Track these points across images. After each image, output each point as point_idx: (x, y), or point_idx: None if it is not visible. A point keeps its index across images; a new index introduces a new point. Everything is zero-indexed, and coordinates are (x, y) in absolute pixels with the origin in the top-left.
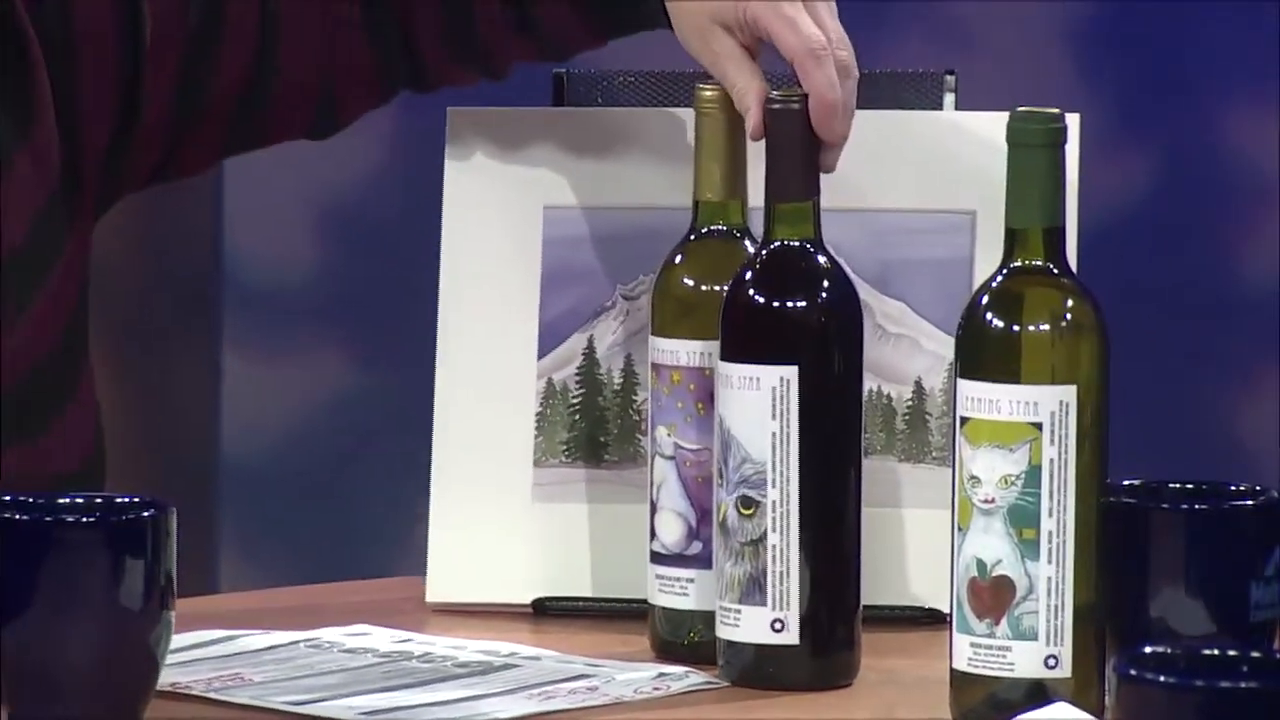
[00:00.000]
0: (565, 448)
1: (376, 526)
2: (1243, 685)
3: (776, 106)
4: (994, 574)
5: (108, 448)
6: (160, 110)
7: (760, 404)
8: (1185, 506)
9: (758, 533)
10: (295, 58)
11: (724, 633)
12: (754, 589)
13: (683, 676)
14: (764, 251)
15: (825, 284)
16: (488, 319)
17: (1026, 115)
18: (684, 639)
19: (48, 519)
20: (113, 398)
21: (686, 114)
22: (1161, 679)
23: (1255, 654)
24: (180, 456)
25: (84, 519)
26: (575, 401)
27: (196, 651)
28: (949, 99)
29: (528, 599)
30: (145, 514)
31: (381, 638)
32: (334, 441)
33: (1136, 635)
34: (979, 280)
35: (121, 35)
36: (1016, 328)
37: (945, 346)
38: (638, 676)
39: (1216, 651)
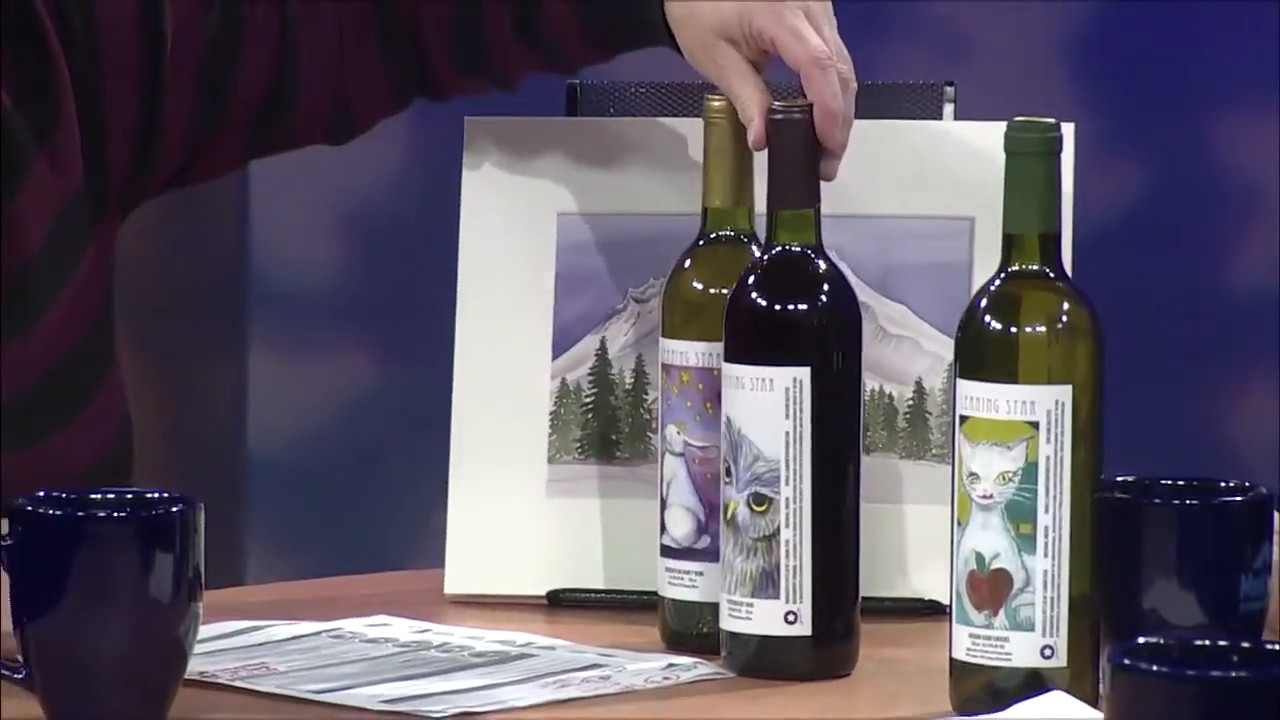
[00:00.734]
0: (578, 445)
1: (396, 521)
2: (1234, 675)
3: (779, 117)
4: (992, 567)
5: (136, 443)
6: (181, 116)
7: (774, 404)
8: (1177, 502)
9: (771, 528)
10: (313, 68)
11: (733, 625)
12: (767, 583)
13: (691, 667)
14: (766, 257)
15: (830, 288)
16: (503, 321)
17: (1023, 125)
18: (693, 630)
19: (79, 514)
20: (143, 396)
21: (695, 124)
22: (1155, 669)
23: (1245, 644)
24: (208, 453)
25: (114, 514)
26: (588, 401)
27: (223, 642)
28: (948, 109)
29: (542, 591)
30: (174, 509)
31: (401, 628)
32: (356, 439)
33: (1130, 626)
34: (977, 284)
35: (144, 40)
36: (1014, 330)
37: (945, 348)
38: (648, 666)
39: (1208, 642)
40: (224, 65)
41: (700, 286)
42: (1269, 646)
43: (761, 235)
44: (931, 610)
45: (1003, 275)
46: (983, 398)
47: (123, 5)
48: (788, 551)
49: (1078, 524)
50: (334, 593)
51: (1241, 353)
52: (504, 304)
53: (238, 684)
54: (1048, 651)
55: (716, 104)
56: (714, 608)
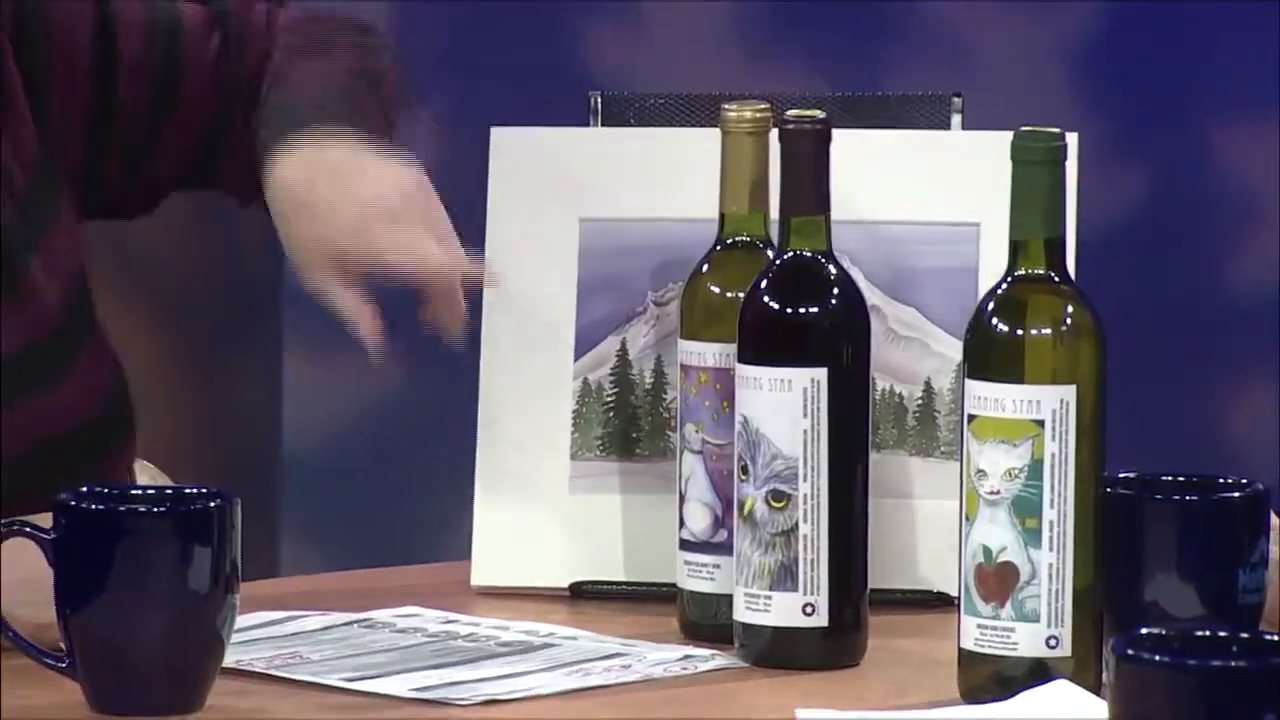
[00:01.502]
0: (600, 443)
1: (425, 515)
2: (1233, 664)
3: (790, 127)
4: (999, 560)
5: (173, 441)
6: (119, 146)
7: (792, 404)
8: (1177, 498)
9: (789, 524)
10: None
11: (751, 617)
12: (785, 576)
13: (709, 658)
14: (779, 261)
15: (841, 292)
16: (528, 323)
17: (1029, 134)
18: (710, 620)
19: (120, 509)
20: (182, 396)
21: (713, 133)
22: (1156, 659)
23: (1244, 635)
24: (243, 450)
25: (155, 509)
26: (609, 400)
27: (258, 632)
28: (956, 119)
29: (565, 583)
30: (211, 504)
31: (430, 618)
32: (386, 437)
33: (1132, 617)
34: (984, 288)
35: (92, 67)
36: (1020, 332)
37: (953, 349)
38: (667, 656)
39: (1208, 633)
40: (153, 129)
41: (717, 290)
42: (1267, 637)
43: (776, 241)
44: (940, 602)
45: (1009, 279)
46: (990, 397)
47: (78, 28)
48: (805, 546)
49: (1081, 519)
50: (364, 584)
51: (1240, 354)
52: (529, 307)
53: (272, 672)
54: (1053, 642)
55: (733, 114)
56: (730, 599)
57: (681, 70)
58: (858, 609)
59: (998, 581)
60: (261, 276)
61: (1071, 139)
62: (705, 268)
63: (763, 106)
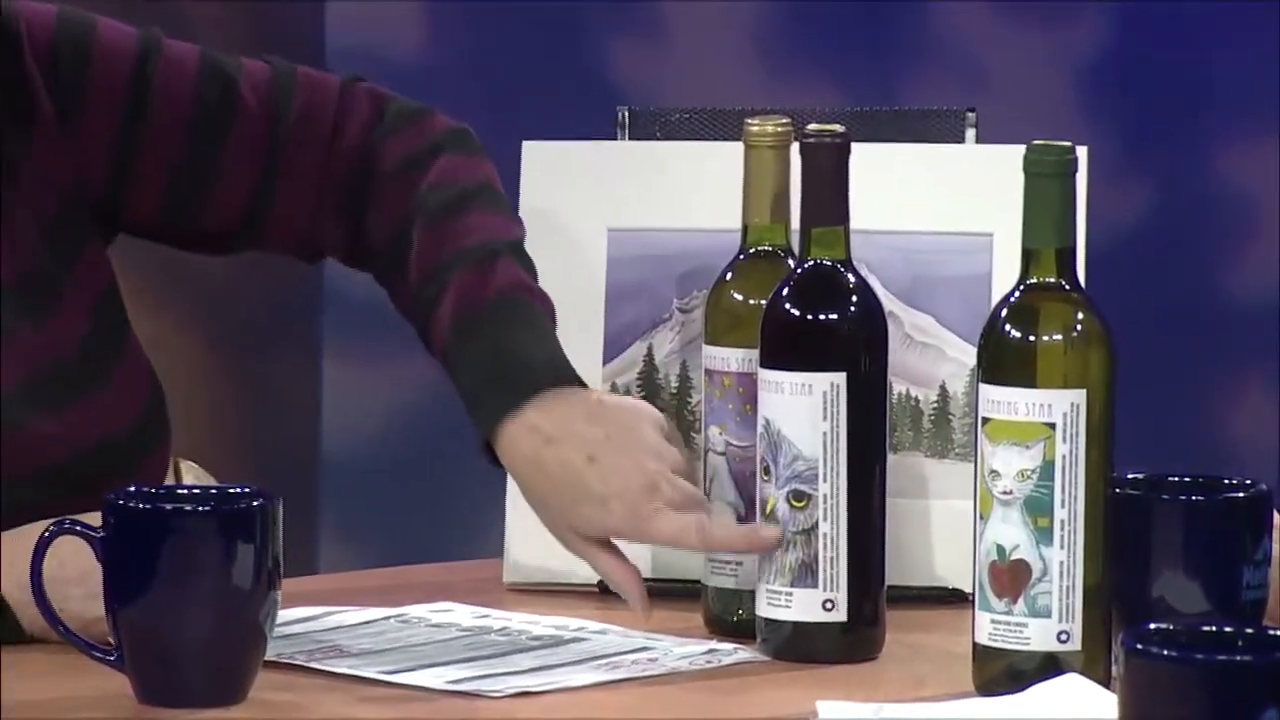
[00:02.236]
0: None
1: (459, 514)
2: (1238, 658)
3: (811, 140)
4: (1012, 558)
5: (218, 444)
6: (150, 201)
7: (812, 407)
8: (1184, 498)
9: (809, 522)
10: (286, 211)
11: (772, 613)
12: (806, 573)
13: (733, 652)
14: (799, 270)
15: (860, 299)
16: (558, 329)
17: (1041, 148)
18: (733, 615)
19: (167, 508)
20: (225, 399)
21: (736, 147)
22: (1164, 653)
23: (1249, 630)
24: (285, 451)
25: (200, 508)
26: None
27: (299, 626)
28: (970, 133)
29: (594, 580)
30: (255, 503)
31: (463, 613)
32: (421, 439)
33: (1140, 613)
34: (998, 295)
35: (127, 108)
36: (1032, 338)
37: (967, 354)
38: (692, 650)
39: (1213, 628)
40: (193, 191)
41: (740, 297)
42: (1270, 632)
43: (797, 250)
44: (955, 598)
45: (1021, 287)
46: (1003, 401)
47: (115, 71)
48: (825, 544)
49: (1091, 518)
50: (401, 581)
51: (1242, 359)
52: (558, 313)
53: (313, 665)
54: (1064, 636)
55: (756, 129)
56: (752, 595)
57: (706, 86)
58: (875, 605)
59: (1010, 578)
60: (301, 281)
61: (1081, 152)
62: (729, 276)
63: (784, 121)
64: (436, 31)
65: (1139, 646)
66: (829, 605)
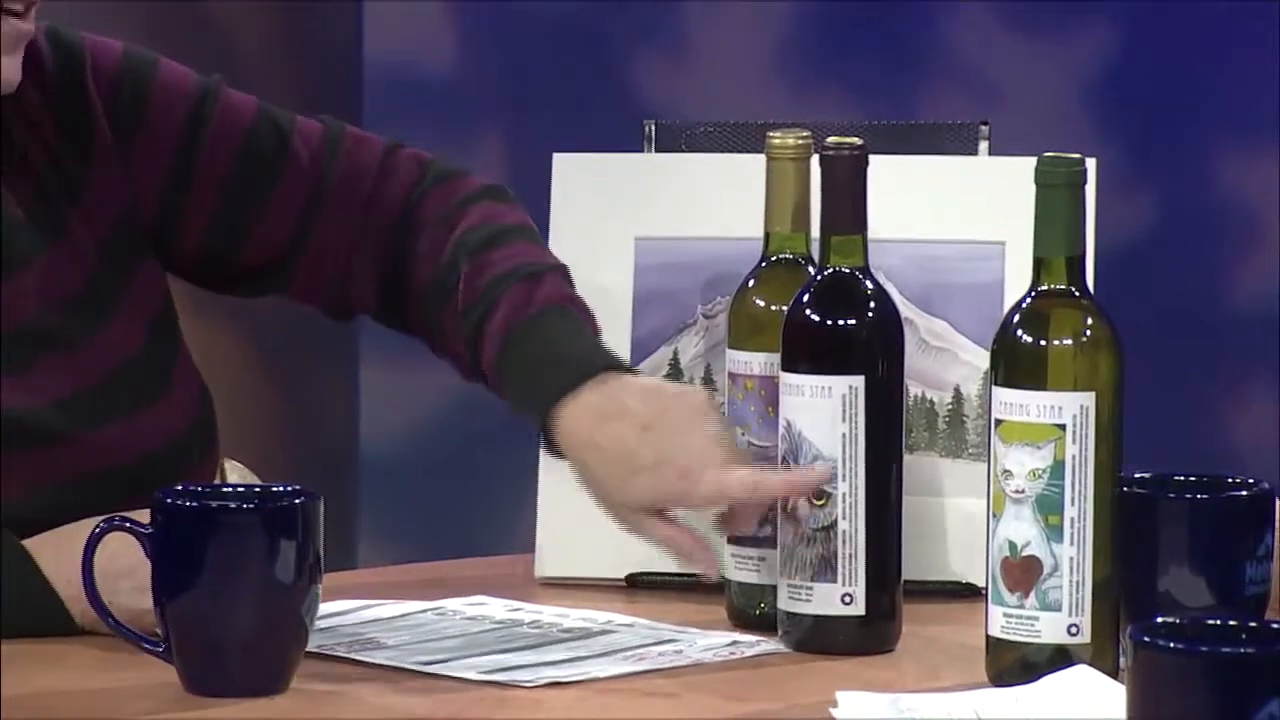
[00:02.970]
0: None
1: (492, 511)
2: (1242, 651)
3: (830, 153)
4: (1024, 554)
5: (262, 447)
6: (198, 229)
7: (832, 409)
8: (1189, 496)
9: (829, 520)
10: (317, 254)
11: (793, 606)
12: (825, 568)
13: (755, 644)
14: (819, 277)
15: (877, 305)
16: None
17: (1051, 160)
18: (755, 608)
19: (213, 506)
20: (268, 403)
21: (758, 159)
22: (1171, 645)
23: (1252, 623)
24: (324, 452)
25: (244, 506)
26: None
27: (339, 619)
28: (983, 146)
29: (622, 574)
30: (297, 502)
31: (497, 607)
32: (455, 439)
33: (1147, 607)
34: (1010, 302)
35: (180, 140)
36: (1043, 342)
37: (981, 358)
38: (716, 642)
39: (1218, 621)
40: (240, 218)
41: (763, 303)
42: (1273, 625)
43: (817, 258)
44: (969, 592)
45: (1033, 294)
46: (1015, 403)
47: (170, 122)
48: (844, 540)
49: (1100, 515)
50: (436, 575)
51: (1245, 362)
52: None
53: (352, 656)
54: (1074, 629)
55: (777, 141)
56: (774, 589)
57: (729, 101)
58: (892, 599)
59: (1022, 573)
60: None
61: (1090, 164)
62: (751, 283)
63: (804, 134)
64: (470, 48)
65: (1146, 639)
66: (848, 599)
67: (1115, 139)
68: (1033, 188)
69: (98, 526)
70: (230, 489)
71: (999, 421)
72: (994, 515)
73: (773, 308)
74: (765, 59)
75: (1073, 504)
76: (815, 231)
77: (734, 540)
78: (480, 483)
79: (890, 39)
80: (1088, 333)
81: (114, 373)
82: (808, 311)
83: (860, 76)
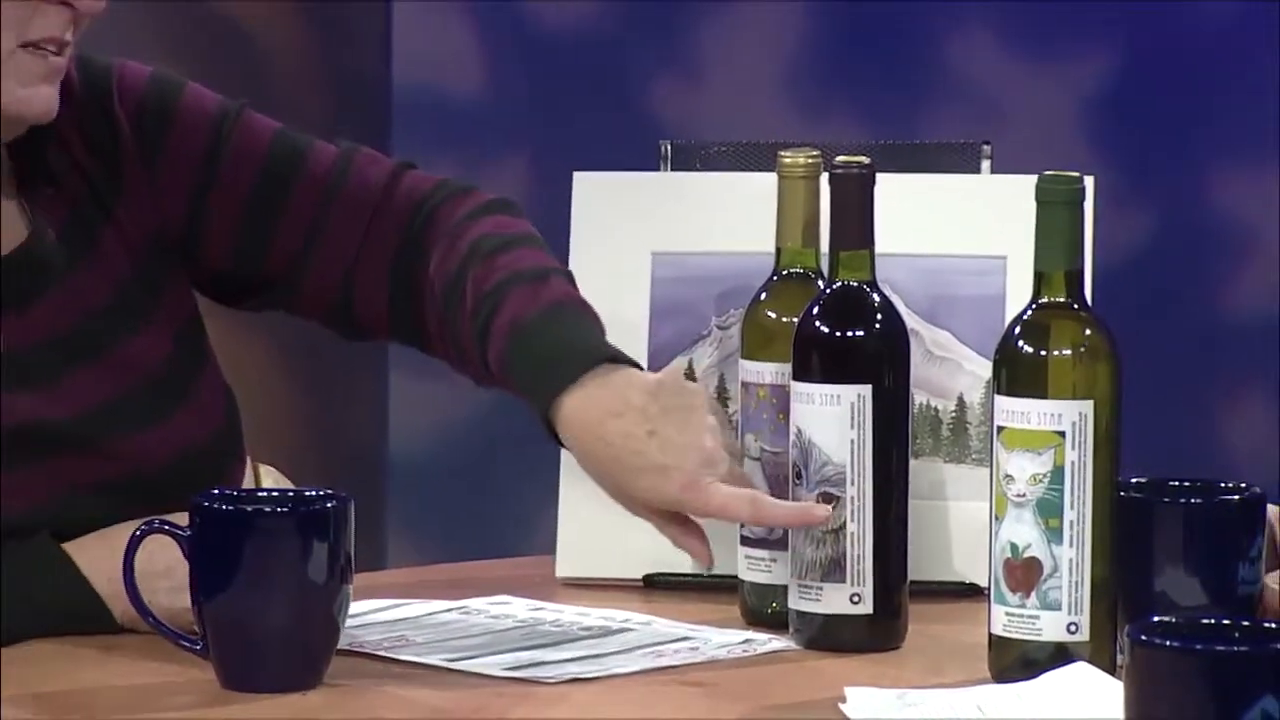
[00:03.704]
0: None
1: (515, 513)
2: (1235, 649)
3: (839, 171)
4: (1025, 555)
5: (296, 452)
6: (221, 250)
7: (840, 417)
8: (1184, 501)
9: (838, 523)
10: (325, 267)
11: (803, 605)
12: (834, 569)
13: (767, 642)
14: (828, 290)
15: (884, 317)
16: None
17: (1051, 178)
18: (768, 608)
19: (248, 509)
20: (301, 410)
21: (770, 177)
22: (1167, 643)
23: (1244, 623)
24: (356, 456)
25: (278, 509)
26: None
27: (369, 617)
28: (985, 165)
29: (640, 574)
30: (328, 504)
31: (520, 606)
32: (481, 444)
33: (1144, 607)
34: (1011, 314)
35: (198, 172)
36: (1043, 353)
37: (983, 368)
38: (730, 639)
39: (1212, 620)
40: (258, 230)
41: (774, 316)
42: (1265, 625)
43: (826, 272)
44: (972, 592)
45: (1034, 306)
46: (1017, 410)
47: (194, 141)
48: (852, 542)
49: (1099, 519)
50: (462, 576)
51: (1238, 372)
52: (606, 329)
53: (381, 653)
54: (1073, 628)
55: (788, 160)
56: (785, 589)
57: (742, 122)
58: (899, 598)
59: (1024, 574)
60: None
61: (1089, 182)
62: (763, 296)
63: (814, 153)
64: (495, 72)
65: (1143, 637)
66: (856, 599)
67: (1112, 158)
68: (1033, 204)
69: (138, 529)
70: (264, 493)
71: (1001, 428)
72: (996, 518)
73: (784, 320)
74: (776, 82)
75: (1072, 508)
76: (824, 247)
77: (747, 543)
78: (504, 487)
79: (896, 63)
80: (1086, 343)
81: (140, 382)
82: (817, 323)
83: (867, 98)
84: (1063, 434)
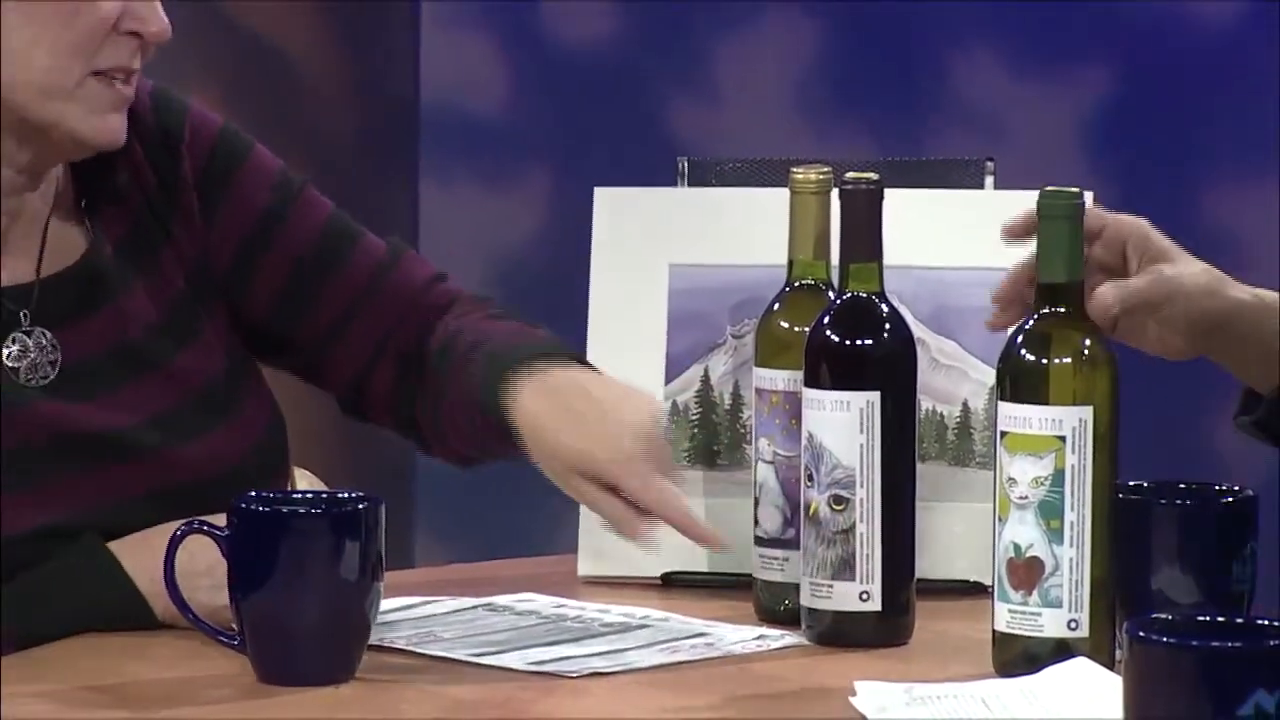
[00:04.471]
0: (686, 454)
1: (539, 514)
2: (1230, 645)
3: (848, 187)
4: (1027, 555)
5: (328, 456)
6: (261, 309)
7: (850, 422)
8: (1180, 502)
9: (848, 523)
10: (343, 357)
11: (815, 603)
12: (844, 568)
13: (780, 637)
14: (839, 301)
15: (892, 327)
16: (625, 352)
17: (1052, 193)
18: (780, 605)
19: (284, 511)
20: (337, 417)
21: (782, 192)
22: (1164, 639)
23: (1239, 620)
24: (386, 460)
25: (313, 511)
26: (694, 418)
27: (398, 614)
28: (989, 180)
29: (658, 573)
30: (360, 506)
31: (543, 603)
32: None
33: (1142, 604)
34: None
35: (253, 234)
36: (1045, 361)
37: (987, 375)
38: (744, 635)
39: (1207, 618)
40: (303, 294)
41: (787, 325)
42: (1259, 622)
43: (837, 283)
44: (977, 590)
45: (1035, 316)
46: (1019, 416)
47: (255, 197)
48: (862, 542)
49: (1098, 520)
50: (488, 574)
51: (1231, 382)
52: (625, 338)
53: (411, 648)
54: (1073, 625)
55: (800, 176)
56: (798, 587)
57: (756, 139)
58: (906, 596)
59: (1026, 573)
60: None
61: (1088, 197)
62: (776, 306)
63: (825, 169)
64: (519, 89)
65: (1141, 634)
66: (865, 596)
67: (1111, 173)
68: (1035, 219)
69: (179, 529)
70: (300, 495)
71: (1004, 433)
72: (999, 519)
73: (796, 329)
74: (789, 101)
75: (1072, 509)
76: (835, 259)
77: (761, 543)
78: (529, 488)
79: (903, 83)
80: (1086, 352)
81: (192, 395)
82: (828, 332)
83: (876, 117)
84: (1063, 439)
